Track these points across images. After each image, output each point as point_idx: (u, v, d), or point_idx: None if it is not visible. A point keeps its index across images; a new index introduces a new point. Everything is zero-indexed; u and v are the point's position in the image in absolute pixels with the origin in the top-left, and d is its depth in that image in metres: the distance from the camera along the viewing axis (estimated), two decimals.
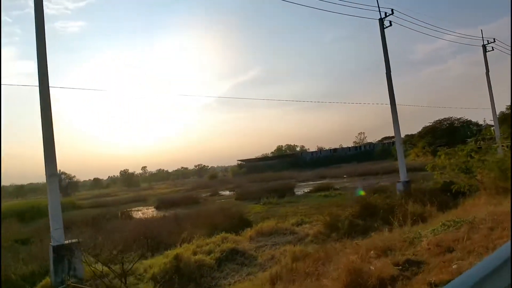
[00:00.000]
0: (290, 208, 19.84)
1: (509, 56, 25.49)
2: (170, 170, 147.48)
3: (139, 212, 28.58)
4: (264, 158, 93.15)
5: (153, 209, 30.32)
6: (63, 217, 10.28)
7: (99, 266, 9.26)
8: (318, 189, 28.92)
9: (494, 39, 26.70)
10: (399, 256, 4.89)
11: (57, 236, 8.25)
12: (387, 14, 16.13)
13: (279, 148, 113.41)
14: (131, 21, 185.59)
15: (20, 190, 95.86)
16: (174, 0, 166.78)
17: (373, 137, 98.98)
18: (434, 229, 6.08)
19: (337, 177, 44.37)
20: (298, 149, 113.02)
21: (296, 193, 29.91)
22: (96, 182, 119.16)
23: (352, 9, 17.31)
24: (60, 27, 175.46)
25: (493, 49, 26.65)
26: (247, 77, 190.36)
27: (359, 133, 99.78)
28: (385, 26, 16.30)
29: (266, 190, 28.40)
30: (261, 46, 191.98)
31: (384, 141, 79.09)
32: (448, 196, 11.74)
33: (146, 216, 24.26)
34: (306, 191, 30.36)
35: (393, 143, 69.59)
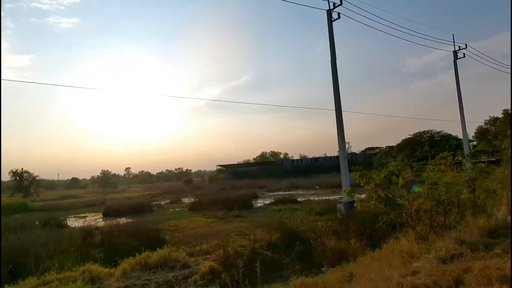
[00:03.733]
0: (231, 225, 17.42)
1: (481, 65, 23.45)
2: (154, 172, 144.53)
3: (81, 220, 25.88)
4: (245, 164, 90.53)
5: (100, 216, 27.68)
6: None
7: None
8: (279, 201, 26.50)
9: (466, 45, 24.75)
10: None
11: None
12: (336, 5, 13.80)
13: (262, 155, 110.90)
14: (125, 19, 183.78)
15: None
16: (168, 1, 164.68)
17: (358, 147, 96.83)
18: None
19: (309, 188, 42.13)
20: (281, 156, 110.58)
21: (256, 204, 27.54)
22: (74, 181, 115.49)
23: None
24: (53, 22, 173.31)
25: (464, 56, 24.74)
26: (239, 82, 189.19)
27: None
28: (333, 19, 13.97)
29: (222, 201, 26.05)
30: (255, 52, 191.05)
31: (367, 152, 77.10)
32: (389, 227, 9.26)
33: (82, 225, 21.54)
34: (266, 202, 27.92)
35: (376, 154, 67.89)
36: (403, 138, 53.44)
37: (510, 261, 3.36)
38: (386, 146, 65.18)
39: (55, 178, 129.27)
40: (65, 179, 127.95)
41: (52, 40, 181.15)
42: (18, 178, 59.48)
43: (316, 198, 27.79)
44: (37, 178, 62.84)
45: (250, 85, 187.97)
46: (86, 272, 8.40)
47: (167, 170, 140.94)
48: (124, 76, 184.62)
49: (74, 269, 8.80)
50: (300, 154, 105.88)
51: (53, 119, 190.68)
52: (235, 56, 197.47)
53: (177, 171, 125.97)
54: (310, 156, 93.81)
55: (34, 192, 59.94)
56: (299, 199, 27.69)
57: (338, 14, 13.87)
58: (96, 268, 8.75)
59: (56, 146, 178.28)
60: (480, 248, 4.55)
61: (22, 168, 59.98)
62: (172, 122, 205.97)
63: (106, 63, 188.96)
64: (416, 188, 7.03)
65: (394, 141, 69.64)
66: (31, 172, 61.32)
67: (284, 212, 20.28)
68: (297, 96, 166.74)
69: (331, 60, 14.01)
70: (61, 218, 23.30)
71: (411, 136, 51.23)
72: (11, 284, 8.22)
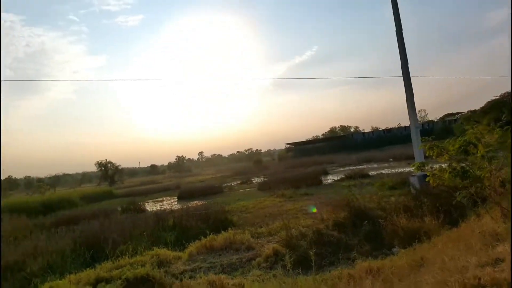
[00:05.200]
0: (299, 203, 17.08)
1: None
2: (225, 155, 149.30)
3: (158, 204, 27.35)
4: (313, 141, 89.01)
5: (175, 200, 29.09)
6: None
7: None
8: (349, 177, 25.42)
9: None
10: None
11: None
12: None
13: (332, 130, 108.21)
14: (186, 8, 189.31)
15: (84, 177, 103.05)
16: None
17: (436, 114, 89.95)
18: None
19: (382, 161, 40.07)
20: (352, 129, 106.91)
21: (326, 181, 26.81)
22: (153, 168, 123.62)
23: None
24: (121, 21, 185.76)
25: None
26: (304, 58, 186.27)
27: (419, 111, 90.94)
28: None
29: (291, 179, 25.85)
30: (318, 25, 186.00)
31: (446, 119, 71.25)
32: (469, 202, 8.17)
33: (158, 209, 22.62)
34: (336, 179, 27.07)
35: (456, 120, 62.28)
36: (487, 100, 48.09)
37: None
38: (467, 111, 59.40)
39: (137, 166, 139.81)
40: (145, 166, 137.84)
41: (122, 38, 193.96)
42: (103, 168, 65.12)
43: (389, 172, 26.25)
44: (120, 167, 68.21)
45: (315, 59, 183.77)
46: (155, 256, 8.71)
47: (237, 151, 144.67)
48: (189, 64, 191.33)
49: (144, 253, 9.17)
50: (371, 126, 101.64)
51: (131, 112, 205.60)
52: (298, 32, 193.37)
53: (247, 152, 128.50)
54: (382, 127, 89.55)
55: (118, 180, 65.18)
56: (370, 173, 26.41)
57: None
58: (164, 252, 9.04)
59: (135, 137, 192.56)
60: None
61: (106, 159, 65.64)
62: (240, 104, 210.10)
63: (171, 54, 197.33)
64: None
65: (477, 105, 63.43)
66: (114, 162, 66.75)
67: (354, 188, 19.41)
68: (366, 66, 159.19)
69: (394, 20, 12.62)
70: (140, 203, 24.84)
71: (497, 97, 45.81)
72: (91, 268, 8.79)
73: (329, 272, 6.40)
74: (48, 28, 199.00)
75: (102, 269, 8.21)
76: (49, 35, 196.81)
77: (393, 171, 26.30)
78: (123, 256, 9.05)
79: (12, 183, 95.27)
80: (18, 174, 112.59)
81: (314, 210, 12.90)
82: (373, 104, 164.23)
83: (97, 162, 65.46)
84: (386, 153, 46.22)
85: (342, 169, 36.77)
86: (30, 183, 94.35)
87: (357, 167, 35.46)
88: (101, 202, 33.85)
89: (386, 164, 35.63)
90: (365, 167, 33.67)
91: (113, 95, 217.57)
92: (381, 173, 26.21)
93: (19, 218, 20.48)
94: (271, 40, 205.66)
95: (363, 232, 8.39)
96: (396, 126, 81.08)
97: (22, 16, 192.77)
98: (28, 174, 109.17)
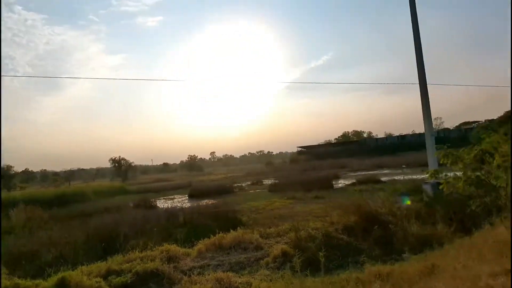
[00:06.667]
0: (309, 206, 17.02)
1: None
2: (237, 156, 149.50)
3: (170, 201, 27.48)
4: (326, 145, 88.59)
5: (186, 198, 29.20)
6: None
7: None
8: (361, 182, 25.22)
9: None
10: None
11: None
12: None
13: (344, 135, 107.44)
14: (203, 11, 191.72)
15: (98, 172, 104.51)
16: None
17: (452, 123, 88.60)
18: None
19: (395, 167, 39.61)
20: (365, 135, 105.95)
21: (337, 185, 26.63)
22: (165, 166, 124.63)
23: None
24: (140, 22, 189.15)
25: None
26: (319, 62, 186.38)
27: (434, 118, 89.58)
28: None
29: (302, 182, 25.75)
30: (334, 30, 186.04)
31: (462, 127, 70.17)
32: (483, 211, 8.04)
33: (169, 206, 22.70)
34: (347, 183, 26.87)
35: (472, 129, 61.24)
36: (506, 110, 47.29)
37: None
38: (485, 120, 58.41)
39: (149, 163, 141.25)
40: (158, 164, 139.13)
41: (141, 38, 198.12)
42: (116, 164, 66.10)
43: (402, 178, 25.94)
44: (133, 164, 69.15)
45: (331, 64, 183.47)
46: (164, 252, 8.80)
47: (249, 153, 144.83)
48: (204, 66, 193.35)
49: (154, 248, 9.28)
50: (384, 132, 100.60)
51: (144, 110, 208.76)
52: (314, 37, 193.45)
53: (259, 153, 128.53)
54: (396, 134, 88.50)
55: (130, 176, 66.08)
56: (383, 179, 26.15)
57: None
58: (174, 248, 9.12)
59: (149, 134, 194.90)
60: None
61: (120, 156, 66.61)
62: (253, 106, 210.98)
63: (187, 55, 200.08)
64: None
65: (497, 114, 62.16)
66: (127, 159, 67.74)
67: (365, 193, 19.23)
68: (381, 72, 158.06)
69: (412, 26, 12.47)
70: (151, 200, 25.05)
71: None
72: (102, 260, 8.93)
73: (338, 275, 6.38)
74: (69, 27, 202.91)
75: (113, 262, 8.33)
76: (69, 33, 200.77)
77: (406, 177, 26.01)
78: (134, 251, 9.17)
79: (28, 175, 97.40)
80: (35, 167, 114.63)
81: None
82: (387, 110, 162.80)
83: (111, 158, 66.69)
84: (400, 159, 45.65)
85: (354, 174, 36.52)
86: (46, 176, 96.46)
87: (370, 172, 35.21)
88: (113, 198, 34.19)
89: (399, 171, 35.19)
90: (378, 172, 33.38)
91: (129, 94, 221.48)
92: (394, 179, 25.92)
93: (34, 210, 20.72)
94: (288, 44, 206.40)
95: (373, 237, 8.33)
96: (410, 133, 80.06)
97: (44, 15, 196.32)
98: (44, 168, 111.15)
